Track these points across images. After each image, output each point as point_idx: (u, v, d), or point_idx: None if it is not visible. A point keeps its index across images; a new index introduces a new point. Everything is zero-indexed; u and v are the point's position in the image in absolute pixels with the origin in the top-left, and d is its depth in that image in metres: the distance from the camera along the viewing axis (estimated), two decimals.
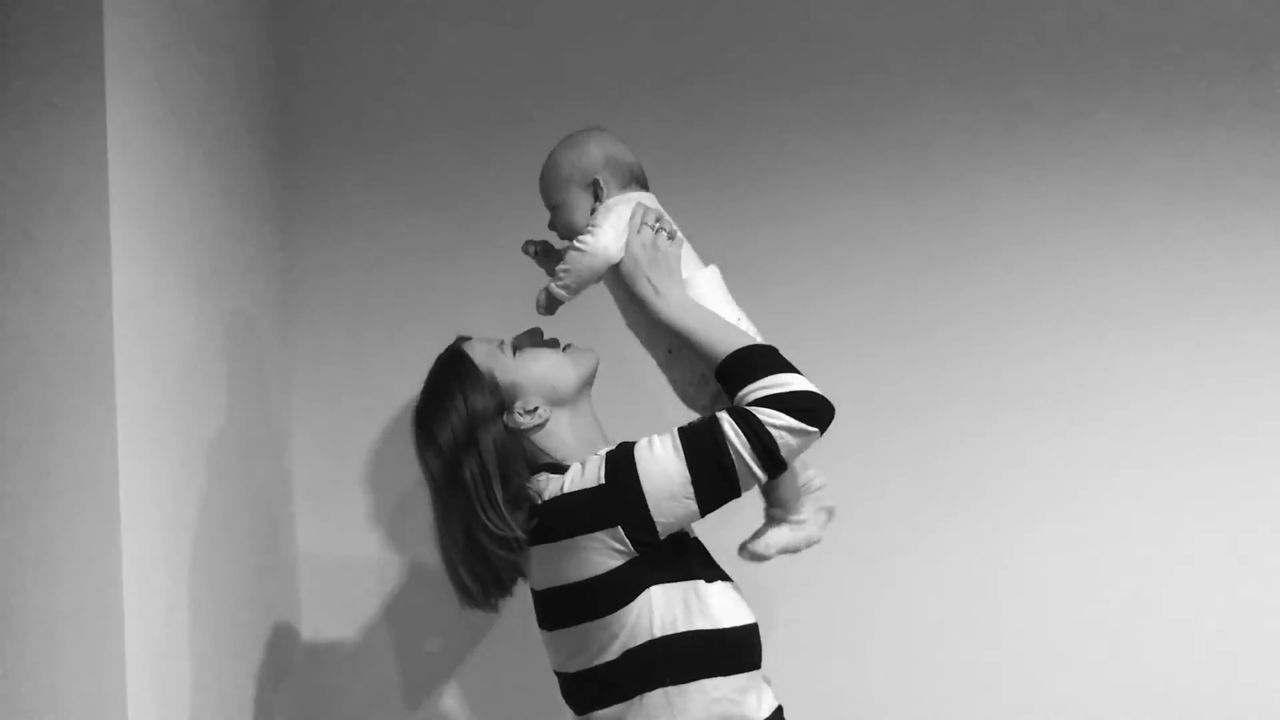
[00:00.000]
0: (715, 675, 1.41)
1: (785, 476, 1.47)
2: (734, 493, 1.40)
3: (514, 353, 1.52)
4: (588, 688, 1.45)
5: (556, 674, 1.51)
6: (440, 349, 1.55)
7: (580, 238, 1.50)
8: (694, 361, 1.49)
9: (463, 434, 1.46)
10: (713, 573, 1.48)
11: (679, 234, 1.53)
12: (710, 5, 2.13)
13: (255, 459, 1.90)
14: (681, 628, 1.41)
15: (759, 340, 1.46)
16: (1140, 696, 2.04)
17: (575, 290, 1.50)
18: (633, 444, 1.42)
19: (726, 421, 1.38)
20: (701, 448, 1.38)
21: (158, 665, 1.50)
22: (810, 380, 1.40)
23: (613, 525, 1.37)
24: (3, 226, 1.42)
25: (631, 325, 1.57)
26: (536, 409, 1.49)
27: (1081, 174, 2.10)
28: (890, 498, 2.07)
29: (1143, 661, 2.04)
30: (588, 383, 1.55)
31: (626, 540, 1.38)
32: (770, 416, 1.36)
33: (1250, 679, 2.04)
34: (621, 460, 1.40)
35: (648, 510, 1.37)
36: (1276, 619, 2.05)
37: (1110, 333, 2.08)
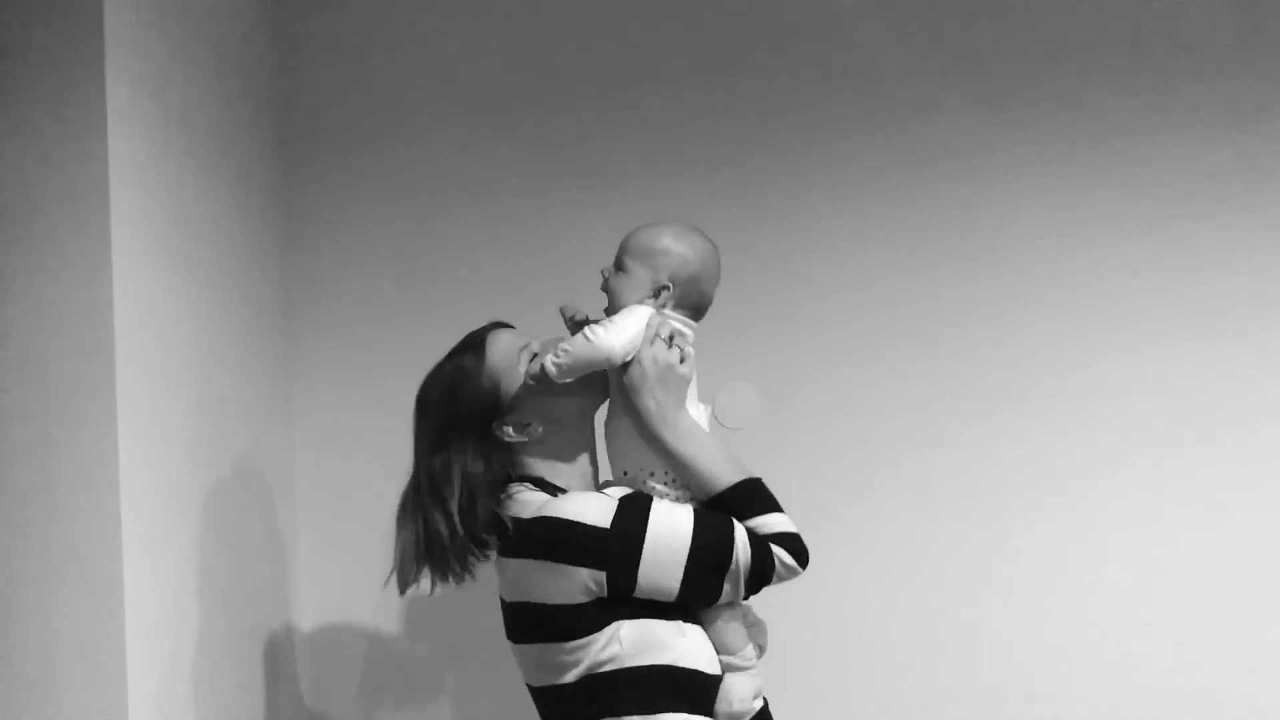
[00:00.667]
0: (682, 711, 1.39)
1: (738, 623, 1.47)
2: (709, 599, 1.41)
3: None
4: (551, 704, 1.45)
5: (526, 685, 1.50)
6: (440, 349, 1.54)
7: (593, 327, 1.46)
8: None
9: (435, 431, 1.47)
10: (691, 617, 1.45)
11: (691, 357, 1.49)
12: (711, 6, 2.12)
13: (255, 459, 1.90)
14: (650, 661, 1.39)
15: (751, 473, 1.46)
16: (1139, 694, 2.03)
17: (567, 374, 1.44)
18: (649, 498, 1.42)
19: (740, 534, 1.41)
20: (708, 542, 1.39)
21: (158, 665, 1.50)
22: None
23: (600, 569, 1.37)
24: (3, 227, 1.42)
25: (609, 429, 1.52)
26: (529, 426, 1.48)
27: (1082, 175, 2.10)
28: (889, 496, 2.07)
29: (1142, 659, 2.04)
30: (593, 407, 1.53)
31: (605, 586, 1.37)
32: (778, 552, 1.42)
33: (1249, 677, 2.04)
34: (635, 513, 1.39)
35: (637, 569, 1.37)
36: (1276, 617, 2.05)
37: (1109, 332, 2.08)
